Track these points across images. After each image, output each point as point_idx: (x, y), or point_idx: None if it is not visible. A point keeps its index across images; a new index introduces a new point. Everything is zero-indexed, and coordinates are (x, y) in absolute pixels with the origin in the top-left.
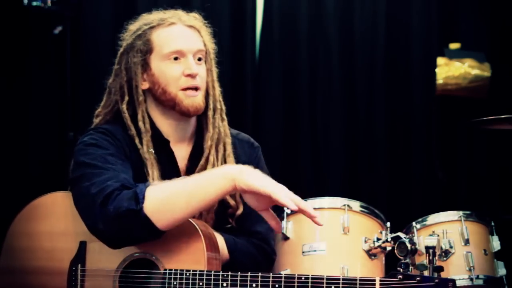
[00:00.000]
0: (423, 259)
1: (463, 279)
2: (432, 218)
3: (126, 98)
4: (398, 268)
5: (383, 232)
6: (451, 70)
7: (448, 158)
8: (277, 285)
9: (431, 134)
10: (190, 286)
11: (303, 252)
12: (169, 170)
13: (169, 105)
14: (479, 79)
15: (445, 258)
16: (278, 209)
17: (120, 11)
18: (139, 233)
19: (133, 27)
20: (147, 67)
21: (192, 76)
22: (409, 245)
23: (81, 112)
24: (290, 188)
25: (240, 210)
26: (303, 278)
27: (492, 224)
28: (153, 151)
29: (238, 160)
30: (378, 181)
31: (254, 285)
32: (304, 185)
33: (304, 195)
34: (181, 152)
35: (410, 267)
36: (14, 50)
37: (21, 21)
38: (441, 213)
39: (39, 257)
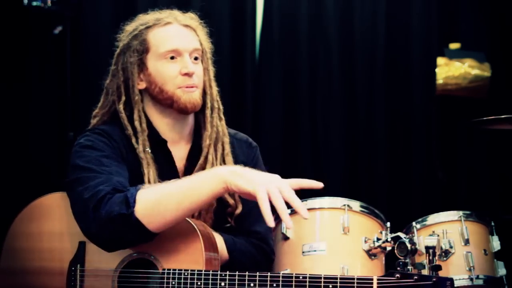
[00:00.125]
0: (423, 259)
1: (463, 279)
2: (432, 218)
3: (123, 98)
4: (398, 268)
5: (383, 232)
6: (451, 70)
7: (448, 158)
8: (275, 285)
9: (431, 134)
10: (188, 286)
11: (303, 252)
12: (167, 170)
13: (167, 103)
14: (479, 79)
15: (445, 258)
16: None
17: (120, 11)
18: (132, 237)
19: (129, 27)
20: (143, 67)
21: (188, 74)
22: (409, 245)
23: (81, 112)
24: None
25: (239, 210)
26: (301, 277)
27: (492, 224)
28: (150, 151)
29: (236, 160)
30: (378, 181)
31: (252, 284)
32: None
33: (304, 195)
34: (179, 152)
35: (410, 266)
36: (14, 50)
37: (21, 21)
38: (441, 213)
39: (39, 257)
